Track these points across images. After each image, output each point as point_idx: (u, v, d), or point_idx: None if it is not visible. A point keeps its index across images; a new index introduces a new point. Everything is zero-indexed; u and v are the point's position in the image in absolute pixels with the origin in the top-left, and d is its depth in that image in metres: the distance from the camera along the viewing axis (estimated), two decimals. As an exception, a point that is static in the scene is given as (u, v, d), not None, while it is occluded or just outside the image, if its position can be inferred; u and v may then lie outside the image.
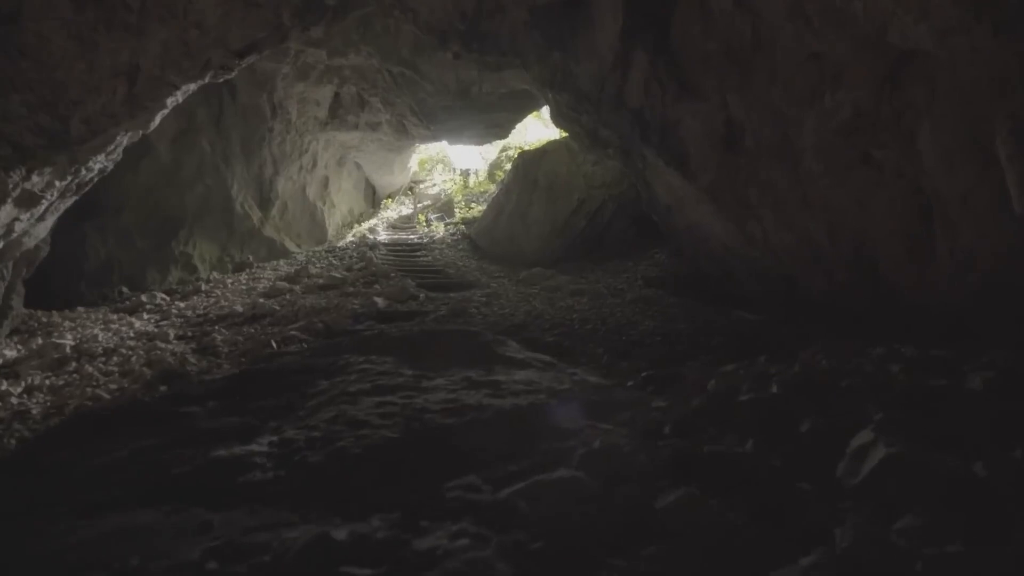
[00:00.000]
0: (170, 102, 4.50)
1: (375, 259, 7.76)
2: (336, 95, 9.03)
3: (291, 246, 9.09)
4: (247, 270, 7.52)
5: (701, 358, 2.97)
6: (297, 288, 6.09)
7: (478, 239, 9.16)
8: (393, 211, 11.74)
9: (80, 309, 5.61)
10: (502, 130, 9.40)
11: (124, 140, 4.56)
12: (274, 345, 4.15)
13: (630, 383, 2.46)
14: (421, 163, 13.88)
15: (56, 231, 6.79)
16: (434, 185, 12.75)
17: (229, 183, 8.63)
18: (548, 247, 8.50)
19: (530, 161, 9.07)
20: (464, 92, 8.25)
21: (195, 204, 8.50)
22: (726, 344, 3.19)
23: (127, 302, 5.98)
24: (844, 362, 1.99)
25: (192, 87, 4.58)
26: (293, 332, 4.36)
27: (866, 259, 3.45)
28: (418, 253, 8.63)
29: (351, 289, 6.03)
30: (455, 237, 9.36)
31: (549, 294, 5.67)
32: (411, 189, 12.85)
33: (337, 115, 9.26)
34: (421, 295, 5.62)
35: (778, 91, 3.71)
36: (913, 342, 2.14)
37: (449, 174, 13.11)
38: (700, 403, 1.86)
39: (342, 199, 10.79)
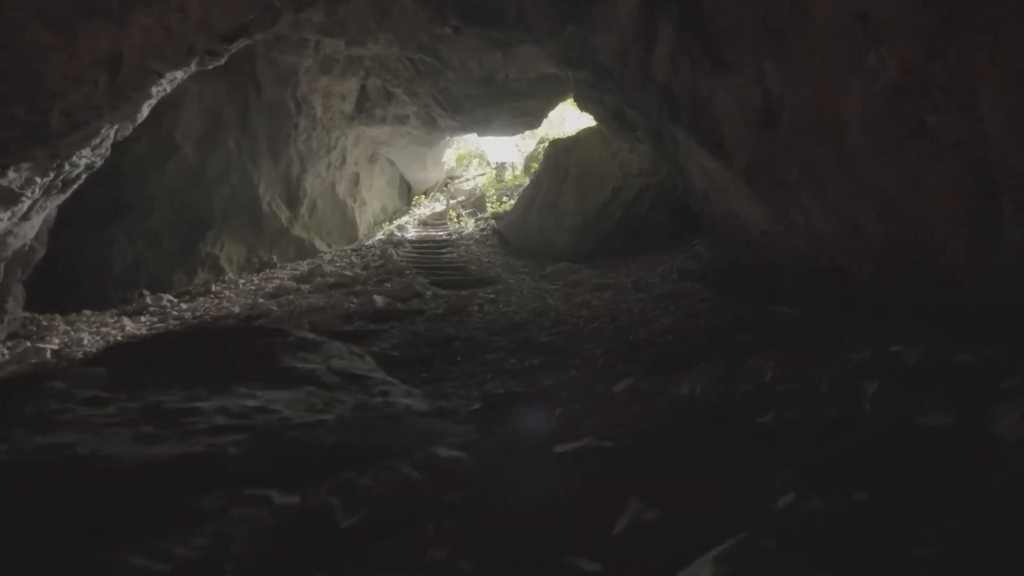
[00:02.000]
0: (155, 91, 4.29)
1: (395, 256, 7.44)
2: (362, 88, 8.81)
3: (321, 245, 8.95)
4: (266, 270, 7.37)
5: (711, 359, 2.40)
6: (305, 287, 5.84)
7: (507, 233, 8.67)
8: (427, 208, 11.44)
9: (86, 312, 5.56)
10: (532, 119, 8.87)
11: (111, 133, 4.39)
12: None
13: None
14: (459, 158, 13.56)
15: (85, 234, 6.98)
16: (468, 180, 12.38)
17: (256, 182, 8.58)
18: (580, 240, 7.91)
19: (561, 149, 8.49)
20: (488, 79, 7.80)
21: (222, 204, 8.52)
22: (752, 342, 2.57)
23: (133, 304, 5.91)
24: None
25: (179, 75, 4.37)
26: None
27: (922, 246, 2.76)
28: (444, 250, 8.24)
29: (359, 288, 5.70)
30: (485, 232, 8.92)
31: (569, 290, 5.11)
32: (447, 185, 12.55)
33: (364, 109, 9.04)
34: (428, 292, 5.21)
35: (819, 60, 3.09)
36: (971, 341, 1.75)
37: (484, 168, 12.71)
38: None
39: (374, 196, 10.59)
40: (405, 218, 10.81)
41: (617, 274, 5.97)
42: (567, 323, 3.59)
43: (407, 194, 11.91)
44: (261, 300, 5.36)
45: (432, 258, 7.66)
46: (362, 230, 9.93)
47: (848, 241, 3.08)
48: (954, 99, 2.36)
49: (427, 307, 4.72)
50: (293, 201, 8.58)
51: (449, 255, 7.94)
